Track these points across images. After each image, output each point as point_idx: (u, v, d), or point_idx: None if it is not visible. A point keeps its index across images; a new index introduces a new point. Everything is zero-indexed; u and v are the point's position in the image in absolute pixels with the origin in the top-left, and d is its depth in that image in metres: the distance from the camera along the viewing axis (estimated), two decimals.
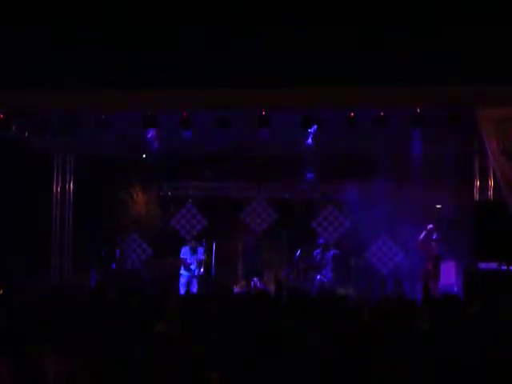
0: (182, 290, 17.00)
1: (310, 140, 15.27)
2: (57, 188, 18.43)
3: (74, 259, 18.53)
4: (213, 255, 17.72)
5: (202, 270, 17.86)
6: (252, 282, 17.17)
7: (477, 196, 17.02)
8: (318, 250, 17.99)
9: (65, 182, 18.64)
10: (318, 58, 12.29)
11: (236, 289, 16.99)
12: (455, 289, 16.47)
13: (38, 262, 17.64)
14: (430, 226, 16.59)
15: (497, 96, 11.73)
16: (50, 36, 12.44)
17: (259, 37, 12.38)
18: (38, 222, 17.80)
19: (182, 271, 17.54)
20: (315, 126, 14.37)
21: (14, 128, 14.77)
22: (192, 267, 17.48)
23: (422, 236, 16.50)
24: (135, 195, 20.11)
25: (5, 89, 12.87)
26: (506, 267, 14.27)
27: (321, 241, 18.12)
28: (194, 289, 17.21)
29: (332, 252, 17.86)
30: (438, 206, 19.08)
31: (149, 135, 15.28)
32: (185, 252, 17.73)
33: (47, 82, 12.62)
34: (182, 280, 17.49)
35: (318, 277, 17.51)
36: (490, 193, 16.53)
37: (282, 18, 12.07)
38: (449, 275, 17.10)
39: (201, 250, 17.84)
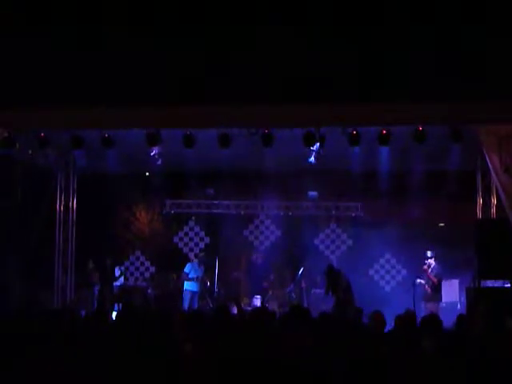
0: (185, 305, 16.94)
1: (312, 158, 15.29)
2: (60, 206, 18.42)
3: (77, 277, 18.50)
4: (215, 273, 17.67)
5: (208, 284, 17.80)
6: (254, 300, 17.12)
7: (479, 214, 17.00)
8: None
9: (68, 200, 18.63)
10: (321, 74, 12.27)
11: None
12: (458, 307, 16.41)
13: (42, 280, 17.65)
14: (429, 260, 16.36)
15: (500, 112, 11.71)
16: (51, 54, 12.44)
17: (262, 53, 12.37)
18: (42, 240, 17.79)
19: (186, 285, 17.48)
20: (318, 144, 14.39)
21: (17, 146, 14.80)
22: (195, 282, 17.39)
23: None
24: (138, 213, 20.11)
25: (8, 107, 12.87)
26: (510, 285, 14.24)
27: None
28: (195, 305, 17.15)
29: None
30: (441, 224, 19.07)
31: (152, 153, 15.32)
32: (188, 267, 17.69)
33: (50, 100, 12.61)
34: (186, 295, 17.40)
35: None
36: (493, 210, 16.51)
37: (287, 35, 12.05)
38: (452, 293, 17.04)
39: (201, 266, 17.80)
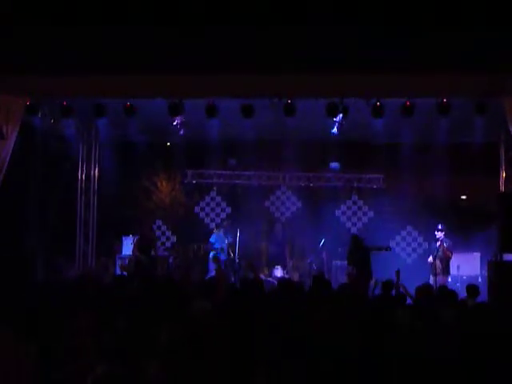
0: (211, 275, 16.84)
1: (335, 129, 15.23)
2: (82, 175, 18.47)
3: (98, 246, 18.59)
4: (237, 243, 17.65)
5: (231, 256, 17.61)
6: (275, 271, 17.13)
7: (502, 187, 16.91)
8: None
9: (89, 169, 18.67)
10: (343, 45, 12.22)
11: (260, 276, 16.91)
12: (480, 280, 16.37)
13: (63, 247, 17.75)
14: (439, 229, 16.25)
15: None
16: (73, 21, 12.45)
17: (287, 23, 12.33)
18: (64, 208, 17.89)
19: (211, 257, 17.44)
20: (341, 115, 14.34)
21: (40, 114, 14.84)
22: (219, 252, 17.29)
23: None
24: (159, 183, 20.13)
25: (32, 75, 12.91)
26: None
27: None
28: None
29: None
30: (463, 197, 18.99)
31: (175, 123, 15.31)
32: (213, 237, 17.65)
33: (73, 68, 12.64)
34: (212, 266, 17.32)
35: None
36: None
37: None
38: (473, 267, 16.99)
39: (227, 236, 17.74)
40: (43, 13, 12.35)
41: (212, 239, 17.59)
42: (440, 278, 15.72)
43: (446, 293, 9.22)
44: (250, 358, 6.61)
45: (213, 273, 16.89)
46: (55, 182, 17.52)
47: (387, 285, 10.68)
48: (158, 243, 19.20)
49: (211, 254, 17.40)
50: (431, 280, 15.59)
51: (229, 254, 17.42)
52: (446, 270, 16.01)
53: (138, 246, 16.47)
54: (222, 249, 17.35)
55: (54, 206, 17.62)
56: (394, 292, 10.61)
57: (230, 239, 17.50)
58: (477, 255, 17.06)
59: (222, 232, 17.82)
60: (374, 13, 12.13)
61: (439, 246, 15.91)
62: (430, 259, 16.03)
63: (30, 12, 12.13)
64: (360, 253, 15.55)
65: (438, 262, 15.89)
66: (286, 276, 16.54)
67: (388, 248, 15.92)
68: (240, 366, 6.54)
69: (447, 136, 16.05)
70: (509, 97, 12.86)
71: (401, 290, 10.66)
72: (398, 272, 11.30)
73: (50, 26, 12.12)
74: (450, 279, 16.23)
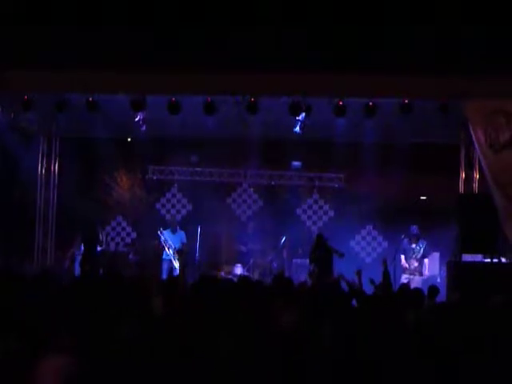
0: (164, 275, 16.75)
1: (298, 128, 15.26)
2: (41, 169, 18.30)
3: (57, 242, 18.44)
4: (197, 240, 17.62)
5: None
6: (235, 268, 17.14)
7: (462, 188, 17.07)
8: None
9: (49, 163, 18.51)
10: (309, 45, 12.24)
11: (220, 274, 16.92)
12: (438, 280, 16.52)
13: (22, 243, 17.59)
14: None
15: (487, 88, 11.73)
16: (38, 14, 12.32)
17: (252, 23, 12.32)
18: (23, 204, 17.73)
19: (164, 255, 17.34)
20: (303, 114, 14.37)
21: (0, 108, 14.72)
22: (171, 251, 17.19)
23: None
24: (119, 178, 20.01)
25: None
26: (490, 260, 14.33)
27: None
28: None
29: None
30: (423, 198, 19.13)
31: (137, 118, 15.22)
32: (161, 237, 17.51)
33: (34, 61, 12.51)
34: (164, 265, 17.26)
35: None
36: (475, 185, 16.59)
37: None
38: (432, 267, 17.14)
39: (181, 233, 17.63)
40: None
41: (161, 239, 17.44)
42: (416, 278, 15.90)
43: (413, 292, 9.36)
44: (208, 356, 6.60)
45: (165, 272, 16.75)
46: (15, 176, 17.35)
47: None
48: (119, 239, 19.16)
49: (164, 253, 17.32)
50: (403, 279, 15.76)
51: (180, 252, 17.24)
52: (420, 270, 16.18)
53: (82, 242, 16.56)
54: (171, 248, 17.15)
55: (14, 201, 17.45)
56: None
57: (183, 236, 17.43)
58: (436, 255, 17.22)
59: (168, 230, 17.65)
60: (330, 12, 12.18)
61: (415, 247, 16.10)
62: (403, 260, 16.12)
63: None
64: (322, 252, 15.62)
65: (415, 262, 16.08)
66: (246, 274, 16.56)
67: (341, 254, 15.88)
68: (199, 363, 6.52)
69: (408, 136, 16.19)
70: (469, 100, 12.99)
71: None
72: (359, 271, 11.33)
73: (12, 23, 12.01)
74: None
